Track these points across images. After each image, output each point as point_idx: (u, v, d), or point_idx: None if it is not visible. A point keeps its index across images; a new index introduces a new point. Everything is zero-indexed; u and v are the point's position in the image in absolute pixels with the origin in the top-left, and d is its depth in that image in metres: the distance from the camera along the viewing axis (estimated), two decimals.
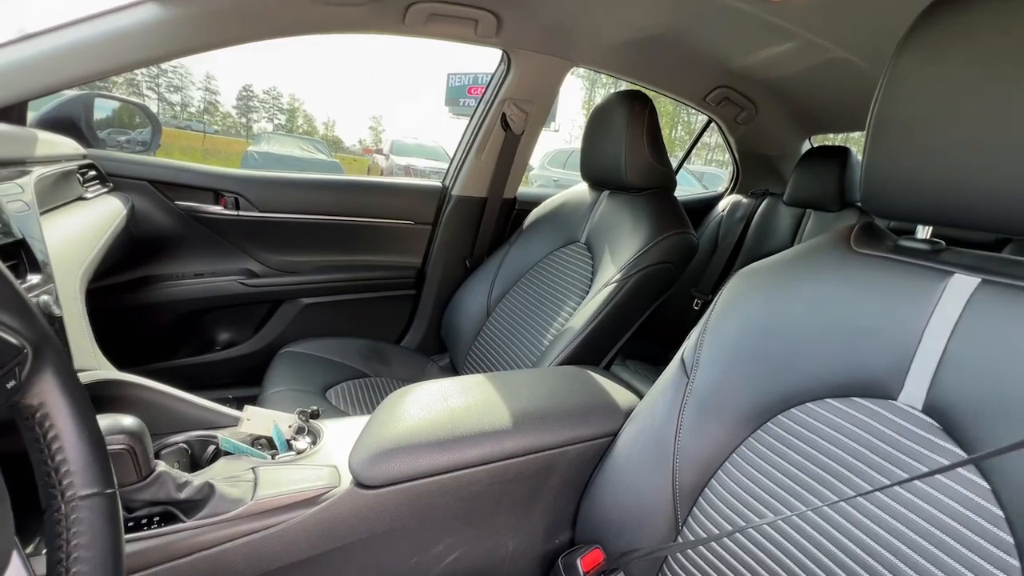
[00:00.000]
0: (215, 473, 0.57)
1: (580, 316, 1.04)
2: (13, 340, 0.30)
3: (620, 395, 0.80)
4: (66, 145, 0.96)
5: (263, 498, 0.55)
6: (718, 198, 2.05)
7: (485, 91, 1.43)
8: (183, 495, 0.52)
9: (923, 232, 0.55)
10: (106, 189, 1.04)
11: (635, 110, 1.11)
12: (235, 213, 1.27)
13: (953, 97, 0.45)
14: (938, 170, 0.47)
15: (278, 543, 0.55)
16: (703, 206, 2.03)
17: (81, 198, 0.92)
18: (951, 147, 0.45)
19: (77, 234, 0.78)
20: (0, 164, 0.69)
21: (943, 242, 0.54)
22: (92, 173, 1.00)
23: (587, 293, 1.11)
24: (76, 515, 0.31)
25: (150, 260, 1.21)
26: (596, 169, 1.24)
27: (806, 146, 1.90)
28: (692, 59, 1.35)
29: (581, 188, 1.33)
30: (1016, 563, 0.41)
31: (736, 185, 2.03)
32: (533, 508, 0.74)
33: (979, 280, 0.48)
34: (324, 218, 1.38)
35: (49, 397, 0.32)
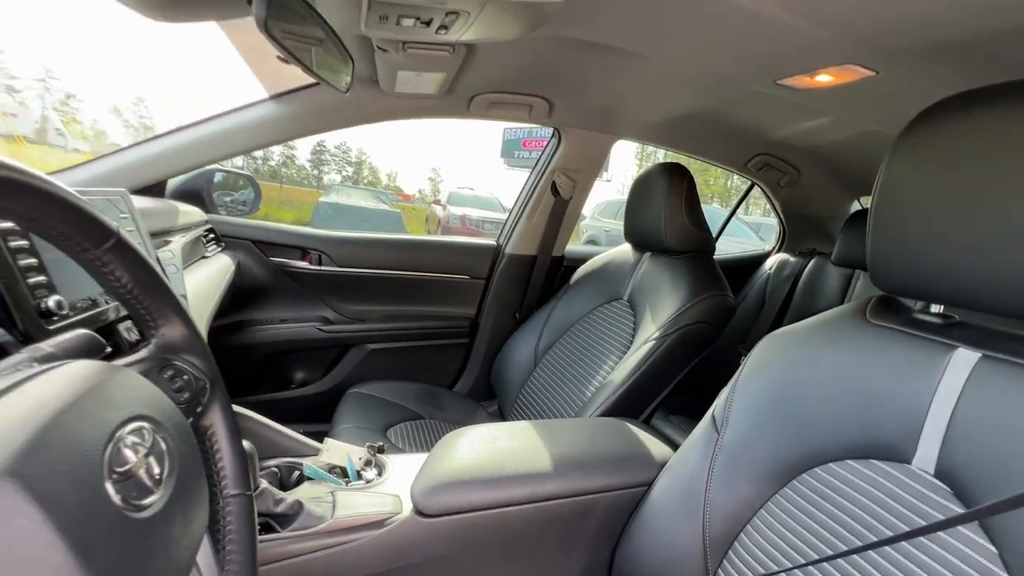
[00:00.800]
0: (301, 494, 0.68)
1: (620, 371, 1.11)
2: (201, 377, 0.43)
3: (655, 447, 0.86)
4: (195, 214, 1.18)
5: (341, 518, 0.65)
6: (765, 256, 2.07)
7: (537, 162, 1.59)
8: (279, 509, 0.63)
9: (936, 307, 0.60)
10: (220, 248, 1.25)
11: (674, 181, 1.21)
12: (318, 268, 1.46)
13: (941, 194, 0.52)
14: (930, 255, 0.53)
15: (351, 558, 0.65)
16: (750, 264, 2.06)
17: (203, 256, 1.12)
18: (939, 237, 0.52)
19: (202, 288, 0.96)
20: (156, 234, 0.88)
21: (956, 316, 0.59)
22: (211, 235, 1.22)
23: (628, 348, 1.18)
24: (229, 508, 0.43)
25: (246, 307, 1.41)
26: (639, 232, 1.33)
27: (855, 206, 1.91)
28: (730, 131, 1.45)
29: (625, 248, 1.43)
30: None
31: (783, 244, 2.06)
32: (571, 551, 0.79)
33: (980, 355, 0.52)
34: (391, 272, 1.55)
35: (216, 420, 0.45)
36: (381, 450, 0.81)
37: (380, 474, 0.76)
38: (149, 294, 0.39)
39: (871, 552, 0.55)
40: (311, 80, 1.10)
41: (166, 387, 0.39)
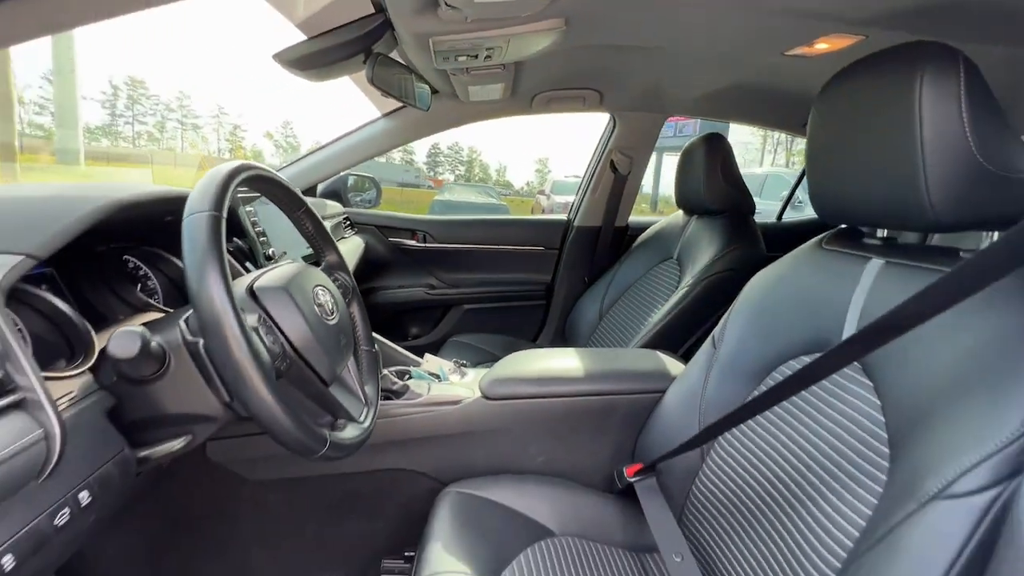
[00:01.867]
0: (409, 383, 1.03)
1: (659, 313, 1.32)
2: (346, 284, 0.78)
3: (671, 366, 1.07)
4: (336, 207, 1.62)
5: (432, 395, 0.99)
6: None
7: (598, 144, 1.81)
8: (395, 388, 0.99)
9: (881, 232, 0.76)
10: (353, 232, 1.69)
11: (711, 149, 1.38)
12: (424, 245, 1.86)
13: (846, 140, 0.69)
14: (843, 188, 0.70)
15: (437, 421, 0.98)
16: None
17: (343, 238, 1.55)
18: (847, 175, 0.69)
19: None
20: None
21: (897, 238, 0.74)
22: (347, 223, 1.66)
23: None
24: (362, 356, 0.77)
25: (373, 276, 1.85)
26: (686, 197, 1.51)
27: None
28: (779, 97, 1.52)
29: (678, 214, 1.61)
30: (887, 450, 0.62)
31: None
32: (601, 436, 1.04)
33: (883, 262, 0.69)
34: (481, 246, 1.90)
35: (355, 309, 0.80)
36: (464, 365, 1.13)
37: (461, 378, 1.08)
38: (321, 237, 0.75)
39: (797, 399, 0.74)
40: None
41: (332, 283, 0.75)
